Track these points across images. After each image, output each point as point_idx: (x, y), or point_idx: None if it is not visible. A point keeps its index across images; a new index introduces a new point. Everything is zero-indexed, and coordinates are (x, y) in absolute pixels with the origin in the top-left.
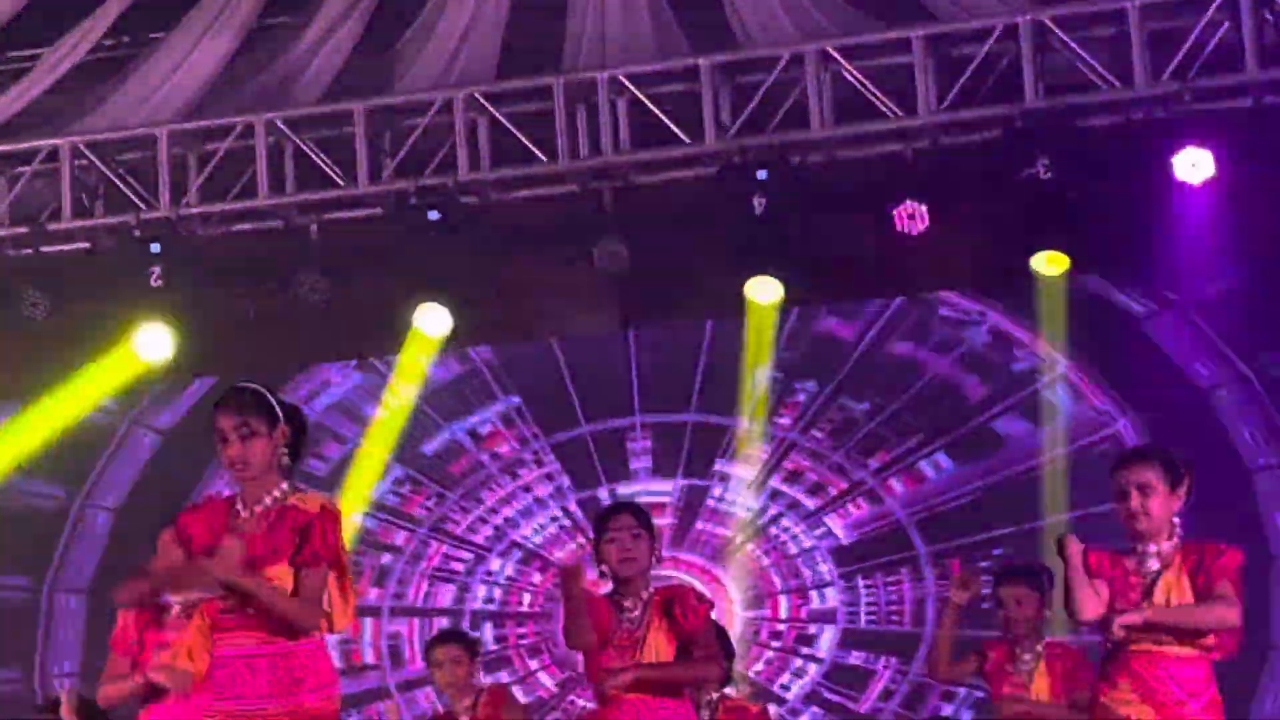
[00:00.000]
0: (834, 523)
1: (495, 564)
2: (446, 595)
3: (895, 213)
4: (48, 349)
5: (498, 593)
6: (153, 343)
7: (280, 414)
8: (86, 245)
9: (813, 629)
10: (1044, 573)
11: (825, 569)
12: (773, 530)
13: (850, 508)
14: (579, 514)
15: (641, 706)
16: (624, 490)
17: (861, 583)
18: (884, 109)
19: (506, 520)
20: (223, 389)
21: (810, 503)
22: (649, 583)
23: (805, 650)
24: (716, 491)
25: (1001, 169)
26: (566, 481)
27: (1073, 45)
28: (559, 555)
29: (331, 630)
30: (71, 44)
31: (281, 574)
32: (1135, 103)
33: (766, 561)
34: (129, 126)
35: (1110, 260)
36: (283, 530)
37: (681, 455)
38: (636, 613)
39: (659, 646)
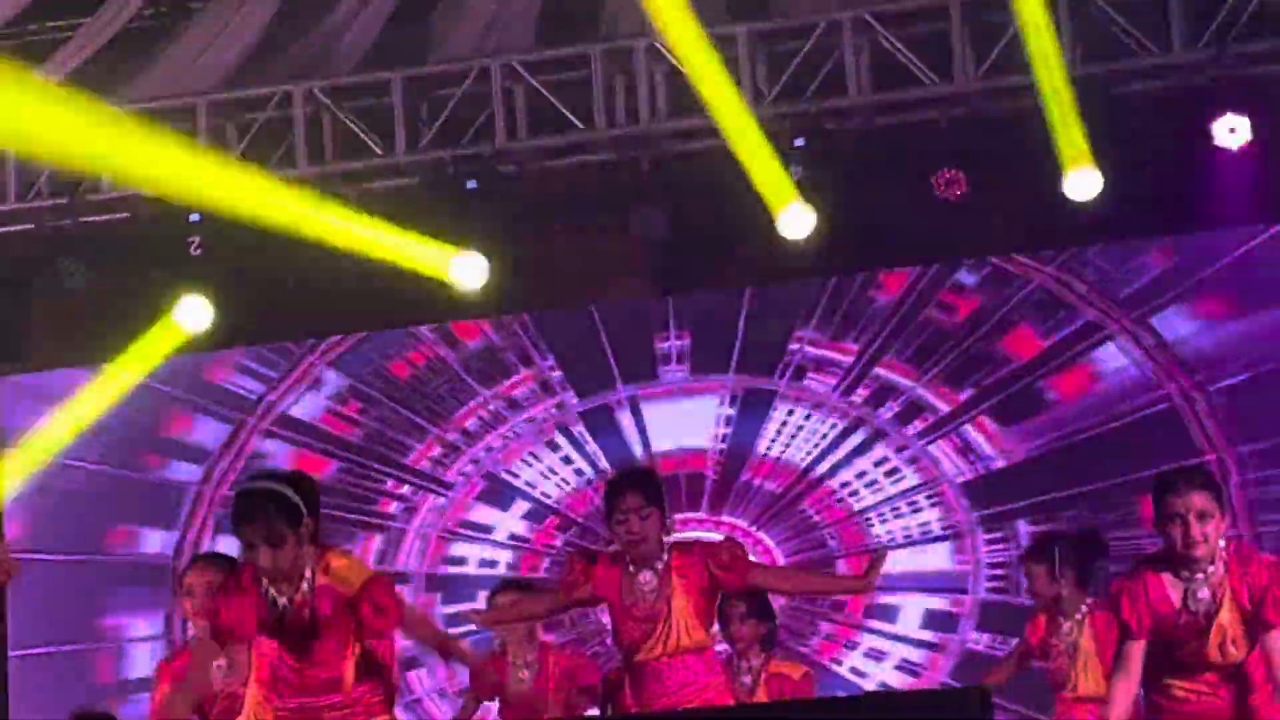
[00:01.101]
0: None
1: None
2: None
3: (934, 180)
4: (87, 319)
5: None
6: (193, 312)
7: (303, 509)
8: (126, 215)
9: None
10: (1056, 543)
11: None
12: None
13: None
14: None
15: (667, 668)
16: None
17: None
18: (921, 76)
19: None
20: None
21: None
22: (664, 549)
23: (873, 624)
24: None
25: (1039, 136)
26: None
27: (1110, 11)
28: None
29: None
30: (110, 14)
31: (339, 654)
32: (1173, 68)
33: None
34: (168, 96)
35: (1148, 226)
36: (325, 612)
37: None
38: (653, 584)
39: (682, 611)
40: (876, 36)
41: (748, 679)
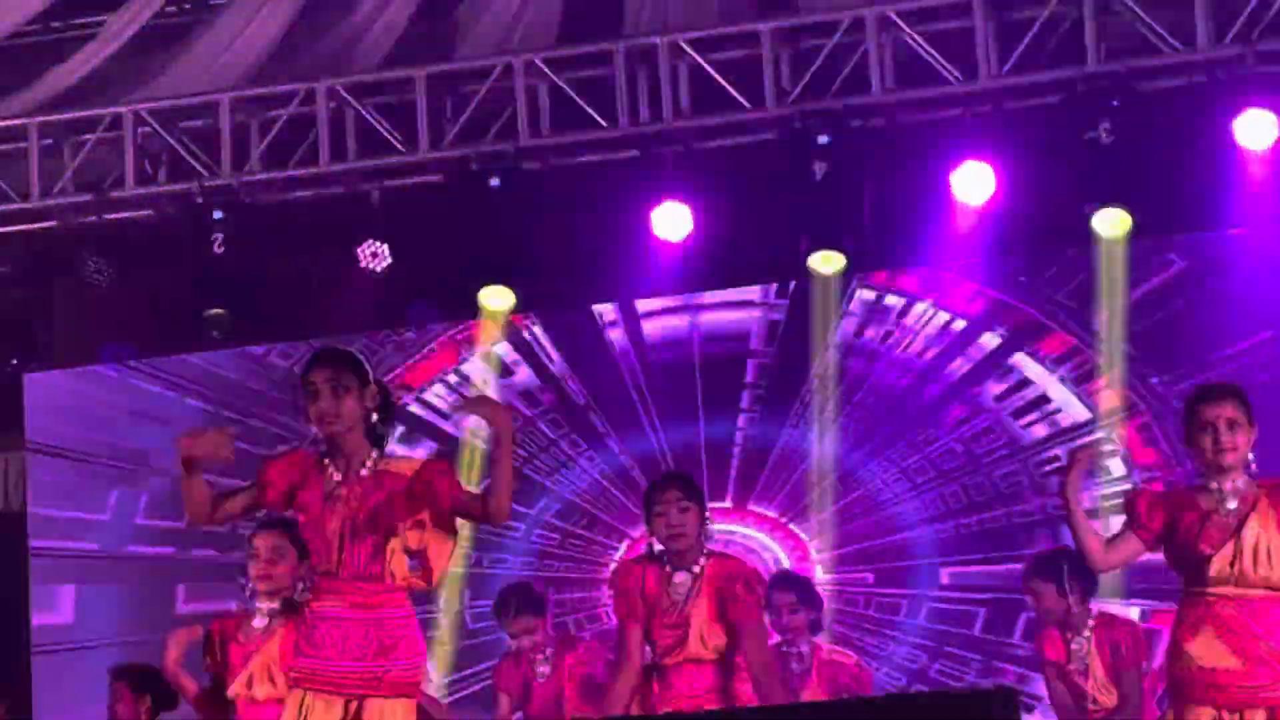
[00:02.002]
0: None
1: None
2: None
3: None
4: (109, 316)
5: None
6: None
7: (370, 375)
8: (149, 212)
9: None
10: (1063, 558)
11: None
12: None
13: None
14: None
15: (689, 676)
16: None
17: None
18: (945, 73)
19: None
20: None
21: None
22: (701, 553)
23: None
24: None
25: (1063, 133)
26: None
27: (1134, 8)
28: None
29: (429, 585)
30: (134, 11)
31: (393, 542)
32: (1198, 66)
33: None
34: (191, 94)
35: (1171, 225)
36: (381, 496)
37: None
38: (685, 588)
39: (703, 628)
40: (900, 33)
41: (797, 665)
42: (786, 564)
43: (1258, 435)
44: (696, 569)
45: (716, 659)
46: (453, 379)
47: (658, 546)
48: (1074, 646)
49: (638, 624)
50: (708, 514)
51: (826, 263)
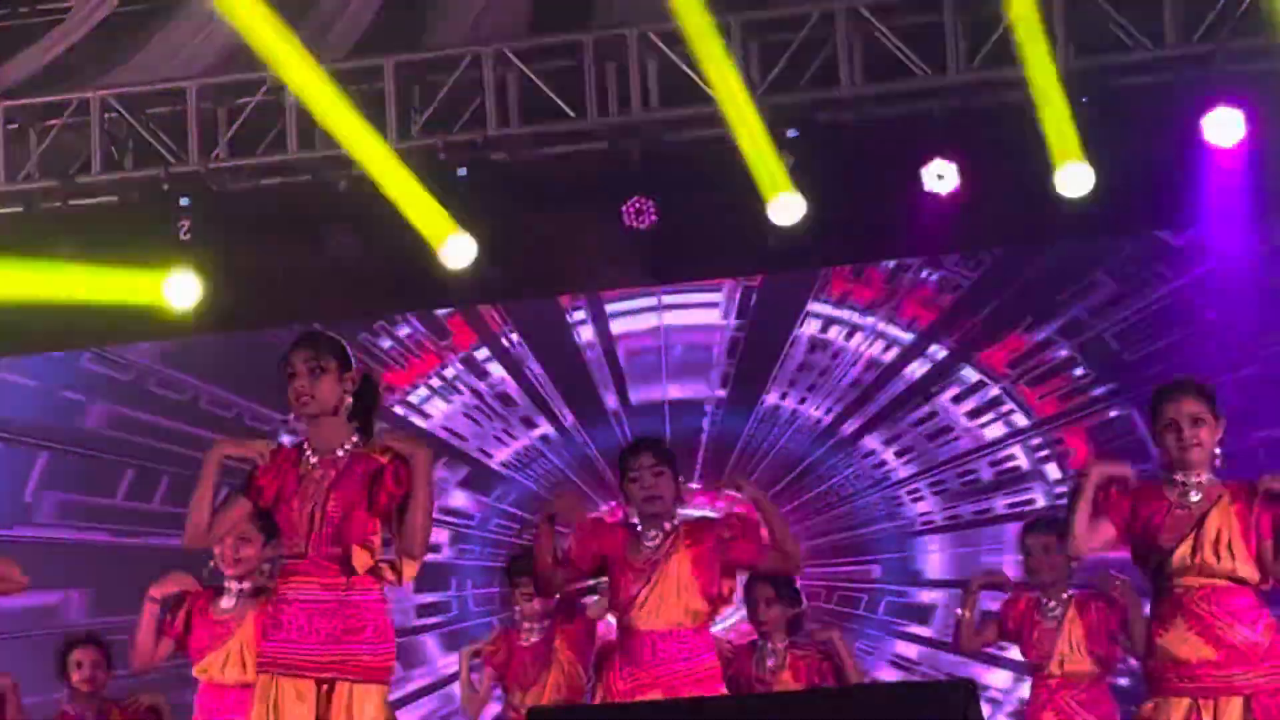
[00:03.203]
0: None
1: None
2: None
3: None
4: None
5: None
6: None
7: (352, 360)
8: (115, 198)
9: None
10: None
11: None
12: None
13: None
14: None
15: (661, 640)
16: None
17: None
18: (914, 67)
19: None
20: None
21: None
22: (674, 516)
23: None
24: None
25: (1031, 129)
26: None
27: (1104, 4)
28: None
29: (399, 581)
30: None
31: (362, 523)
32: (1166, 62)
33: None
34: (159, 80)
35: (1139, 222)
36: (353, 478)
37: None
38: (657, 540)
39: (681, 570)
40: (869, 28)
41: (771, 661)
42: None
43: (1224, 430)
44: (669, 525)
45: (695, 625)
46: (436, 383)
47: (633, 519)
48: (1049, 604)
49: (577, 562)
50: (682, 480)
51: (786, 212)
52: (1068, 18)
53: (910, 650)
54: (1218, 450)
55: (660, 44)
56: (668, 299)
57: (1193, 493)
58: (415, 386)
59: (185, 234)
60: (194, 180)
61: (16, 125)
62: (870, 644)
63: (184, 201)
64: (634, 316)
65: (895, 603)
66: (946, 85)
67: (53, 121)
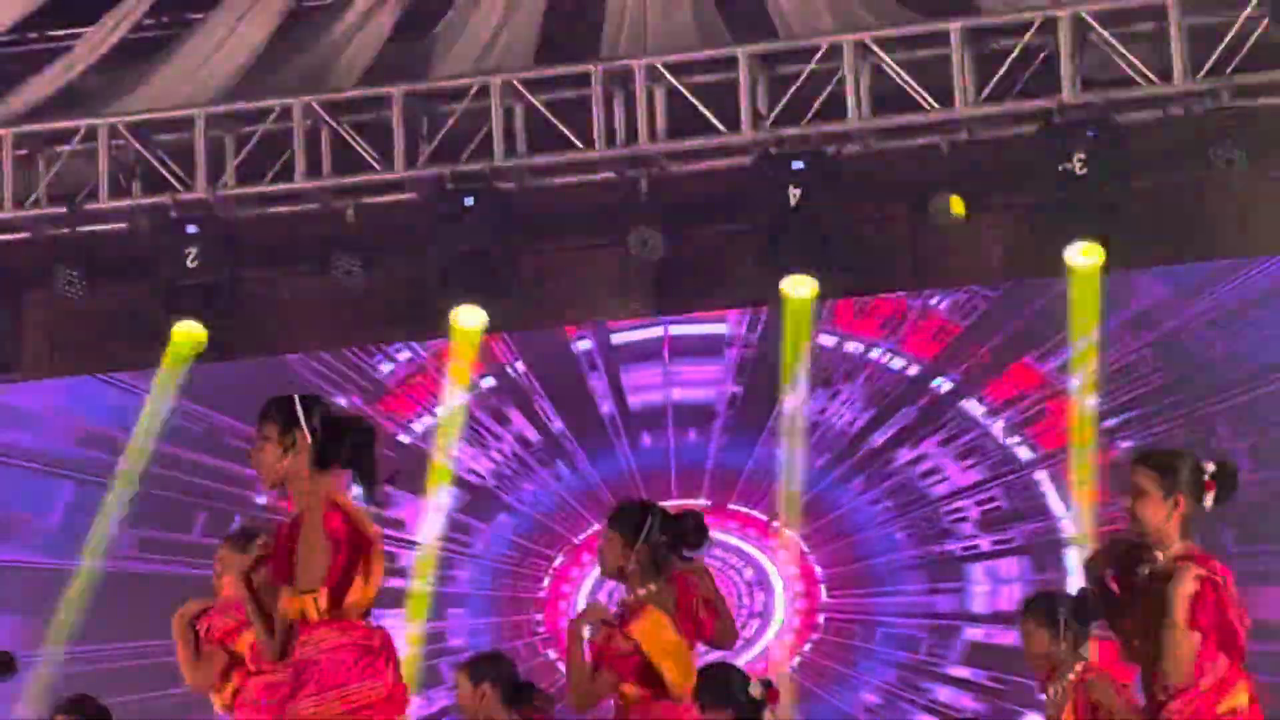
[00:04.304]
0: None
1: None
2: None
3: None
4: (81, 329)
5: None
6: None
7: (302, 421)
8: (123, 225)
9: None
10: (1056, 600)
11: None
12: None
13: None
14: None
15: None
16: None
17: None
18: (921, 101)
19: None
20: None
21: None
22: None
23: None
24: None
25: (1038, 163)
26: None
27: (1111, 40)
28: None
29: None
30: (111, 24)
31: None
32: (1173, 98)
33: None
34: (167, 107)
35: (1146, 256)
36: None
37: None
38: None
39: None
40: (877, 61)
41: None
42: (775, 578)
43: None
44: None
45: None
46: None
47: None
48: (1051, 693)
49: None
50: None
51: (798, 286)
52: (1074, 52)
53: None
54: (1174, 530)
55: (667, 75)
56: (674, 330)
57: (1143, 568)
58: (420, 415)
59: (192, 261)
60: (201, 208)
61: (25, 152)
62: (864, 674)
63: (191, 229)
64: (639, 346)
65: (889, 634)
66: (954, 119)
67: (61, 148)
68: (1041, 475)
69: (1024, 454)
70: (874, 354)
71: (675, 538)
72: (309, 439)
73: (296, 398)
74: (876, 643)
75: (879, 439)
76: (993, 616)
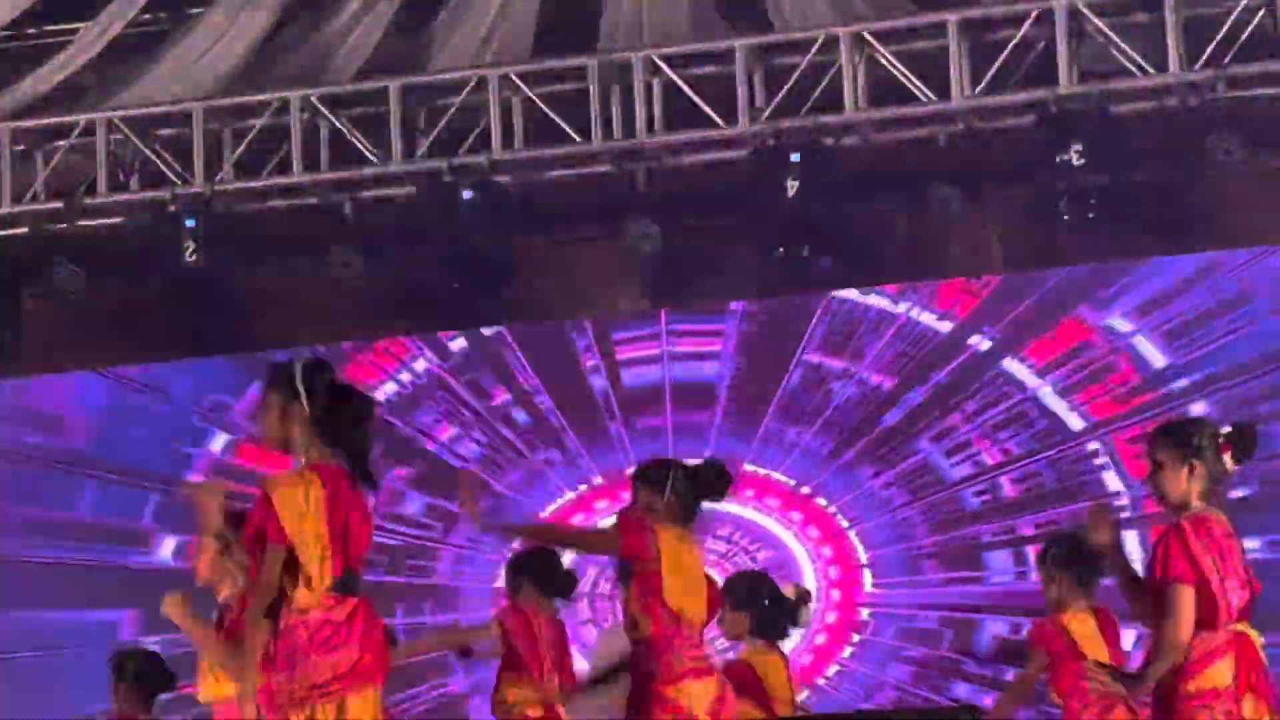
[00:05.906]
0: None
1: None
2: None
3: None
4: (80, 323)
5: None
6: None
7: (301, 389)
8: (121, 220)
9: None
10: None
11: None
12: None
13: None
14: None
15: None
16: None
17: None
18: (918, 93)
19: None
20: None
21: None
22: None
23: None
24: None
25: (1035, 154)
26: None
27: (1107, 31)
28: None
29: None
30: (109, 19)
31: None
32: (1170, 89)
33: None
34: (165, 102)
35: (1142, 247)
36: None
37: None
38: None
39: None
40: (874, 53)
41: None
42: (808, 570)
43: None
44: None
45: None
46: (405, 376)
47: None
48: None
49: None
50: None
51: None
52: (1071, 43)
53: (915, 676)
54: (1198, 503)
55: (665, 67)
56: (672, 324)
57: None
58: (417, 408)
59: (190, 255)
60: (200, 202)
61: (23, 147)
62: (873, 668)
63: (189, 223)
64: (638, 339)
65: (903, 628)
66: (951, 110)
67: (59, 143)
68: (1095, 446)
69: (1074, 423)
70: (900, 308)
71: (699, 488)
72: (307, 409)
73: (299, 365)
74: (890, 637)
75: (897, 413)
76: None
